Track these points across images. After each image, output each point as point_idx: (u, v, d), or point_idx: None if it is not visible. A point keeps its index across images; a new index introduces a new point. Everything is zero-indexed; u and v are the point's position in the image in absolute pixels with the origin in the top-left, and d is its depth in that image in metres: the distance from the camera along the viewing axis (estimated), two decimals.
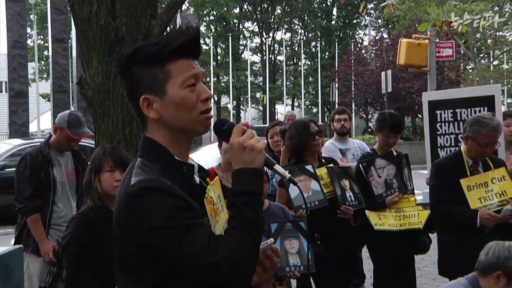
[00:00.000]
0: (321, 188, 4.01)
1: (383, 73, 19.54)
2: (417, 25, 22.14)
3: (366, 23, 44.92)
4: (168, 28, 3.81)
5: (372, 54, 31.93)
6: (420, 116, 29.25)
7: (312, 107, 44.24)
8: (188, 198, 1.51)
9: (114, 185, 2.92)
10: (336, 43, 40.82)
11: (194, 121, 1.59)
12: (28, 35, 26.29)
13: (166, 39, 1.57)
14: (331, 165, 4.31)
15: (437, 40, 13.83)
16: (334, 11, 46.73)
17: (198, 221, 1.49)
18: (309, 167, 4.04)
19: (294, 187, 3.89)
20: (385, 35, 34.73)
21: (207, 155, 7.41)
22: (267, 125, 29.44)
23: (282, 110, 42.25)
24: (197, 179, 1.65)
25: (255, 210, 1.54)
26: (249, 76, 39.33)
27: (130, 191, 1.48)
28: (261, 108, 43.90)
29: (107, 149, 3.01)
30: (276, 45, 46.58)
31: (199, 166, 1.68)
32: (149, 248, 1.46)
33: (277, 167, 1.67)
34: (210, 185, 1.71)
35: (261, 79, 45.29)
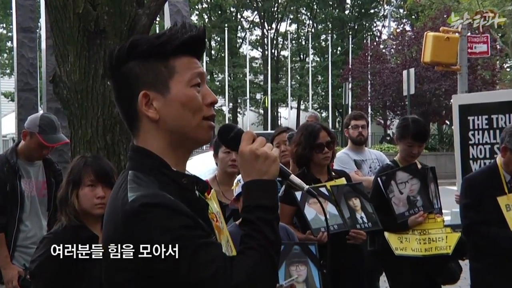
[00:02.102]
0: (339, 212, 4.03)
1: (404, 72, 19.62)
2: (445, 16, 22.25)
3: (385, 13, 45.06)
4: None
5: (392, 50, 32.01)
6: (448, 122, 29.27)
7: (322, 110, 44.29)
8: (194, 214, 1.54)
9: (94, 202, 2.93)
10: (350, 36, 40.95)
11: (196, 126, 1.62)
12: None
13: (170, 33, 1.62)
14: (343, 179, 4.33)
15: (469, 33, 13.88)
16: None
17: (208, 241, 1.52)
18: (323, 189, 4.07)
19: (310, 209, 3.91)
20: (407, 28, 34.84)
21: (199, 166, 7.42)
22: (269, 131, 29.06)
23: (286, 114, 42.30)
24: (197, 193, 1.68)
25: (272, 227, 1.59)
26: (248, 74, 39.43)
27: (130, 208, 1.48)
28: (261, 111, 43.94)
29: (88, 159, 3.02)
30: (279, 38, 46.70)
31: (197, 177, 1.70)
32: (155, 274, 1.47)
33: (293, 177, 1.73)
34: (208, 200, 1.73)
35: (262, 77, 45.38)
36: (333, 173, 4.41)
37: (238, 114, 44.32)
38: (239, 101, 43.14)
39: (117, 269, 1.53)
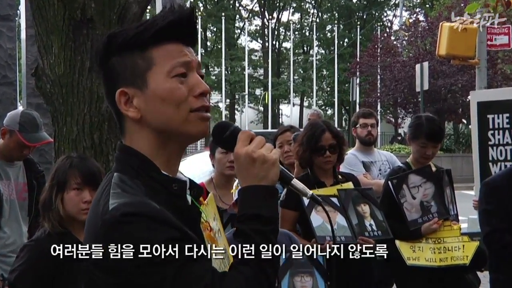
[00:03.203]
0: (349, 224, 4.04)
1: (417, 66, 19.62)
2: (463, 5, 22.25)
3: (397, 2, 45.10)
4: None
5: (404, 42, 32.05)
6: (465, 121, 29.29)
7: (327, 108, 44.36)
8: (182, 225, 1.52)
9: (81, 207, 2.94)
10: (358, 26, 40.99)
11: (183, 121, 1.58)
12: None
13: (152, 20, 1.59)
14: (350, 183, 4.35)
15: (489, 24, 13.87)
16: None
17: (197, 255, 1.50)
18: (334, 200, 4.08)
19: (317, 216, 3.92)
20: (421, 17, 34.88)
21: (193, 168, 7.45)
22: (269, 130, 28.77)
23: (287, 111, 42.34)
24: (189, 199, 1.66)
25: (269, 239, 1.56)
26: (246, 67, 39.47)
27: (110, 217, 1.47)
28: (261, 108, 43.98)
29: (74, 160, 3.03)
30: (281, 29, 46.74)
31: (191, 181, 1.68)
32: None
33: (296, 182, 1.70)
34: (203, 206, 1.73)
35: (261, 71, 45.41)
36: (340, 176, 4.41)
37: (236, 111, 44.36)
38: (237, 97, 43.19)
39: (96, 284, 1.52)
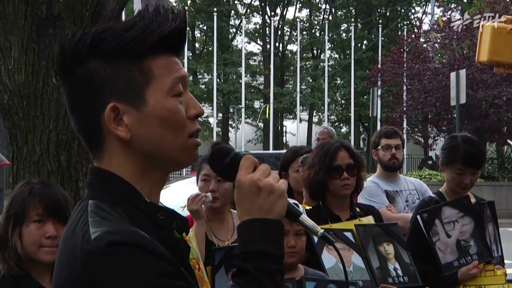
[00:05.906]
0: (367, 266, 4.05)
1: (452, 75, 19.70)
2: (508, 1, 22.36)
3: None
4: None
5: (436, 45, 32.17)
6: (511, 142, 29.31)
7: (341, 124, 44.41)
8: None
9: (42, 243, 2.95)
10: (380, 26, 41.14)
11: (180, 148, 1.64)
12: None
13: (143, 24, 1.62)
14: (370, 217, 4.36)
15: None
16: None
17: None
18: (348, 234, 4.09)
19: (330, 256, 3.93)
20: (457, 15, 35.05)
21: (178, 196, 7.44)
22: (270, 151, 28.55)
23: (293, 128, 42.32)
24: (175, 233, 1.70)
25: (275, 280, 1.61)
26: (243, 74, 39.49)
27: (94, 248, 1.49)
28: (261, 124, 43.99)
29: (35, 187, 3.04)
30: (286, 28, 46.88)
31: (174, 212, 1.72)
32: None
33: (304, 218, 1.76)
34: (187, 241, 1.76)
35: (262, 79, 45.50)
36: (358, 209, 4.43)
37: (230, 128, 44.39)
38: (231, 110, 43.21)
39: None
